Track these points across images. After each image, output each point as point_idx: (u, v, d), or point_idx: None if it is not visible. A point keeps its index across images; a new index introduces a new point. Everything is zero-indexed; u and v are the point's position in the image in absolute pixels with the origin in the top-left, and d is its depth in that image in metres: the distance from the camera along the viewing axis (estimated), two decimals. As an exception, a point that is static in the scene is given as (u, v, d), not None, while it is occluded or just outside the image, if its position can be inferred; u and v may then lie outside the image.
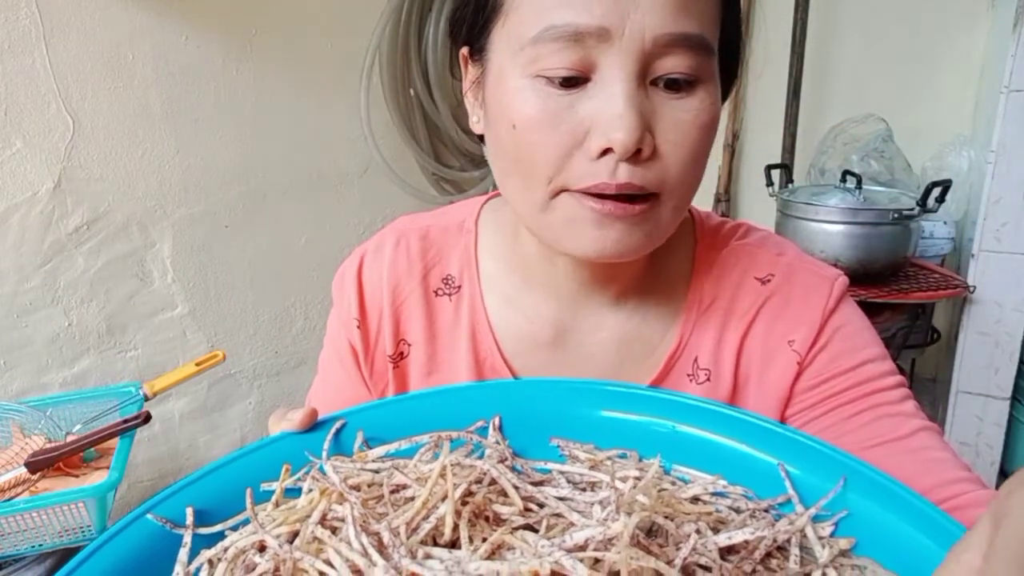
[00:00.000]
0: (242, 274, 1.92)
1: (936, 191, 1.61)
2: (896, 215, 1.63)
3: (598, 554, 0.38)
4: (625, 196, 0.54)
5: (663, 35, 0.51)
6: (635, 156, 0.52)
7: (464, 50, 0.63)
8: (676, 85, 0.53)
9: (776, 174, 1.97)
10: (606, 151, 0.52)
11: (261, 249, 1.94)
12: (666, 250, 0.67)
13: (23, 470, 1.11)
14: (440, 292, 0.71)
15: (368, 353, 0.72)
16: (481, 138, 0.65)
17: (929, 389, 2.13)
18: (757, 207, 2.26)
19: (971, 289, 1.80)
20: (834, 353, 0.64)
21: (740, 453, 0.50)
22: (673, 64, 0.52)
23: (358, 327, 0.71)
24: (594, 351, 0.68)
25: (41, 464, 1.11)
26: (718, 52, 0.56)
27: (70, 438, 1.18)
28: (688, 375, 0.67)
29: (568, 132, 0.53)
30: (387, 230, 0.75)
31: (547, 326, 0.68)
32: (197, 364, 1.40)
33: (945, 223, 1.87)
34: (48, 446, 1.16)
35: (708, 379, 0.66)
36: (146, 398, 1.31)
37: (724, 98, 0.60)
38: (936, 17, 1.96)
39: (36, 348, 1.60)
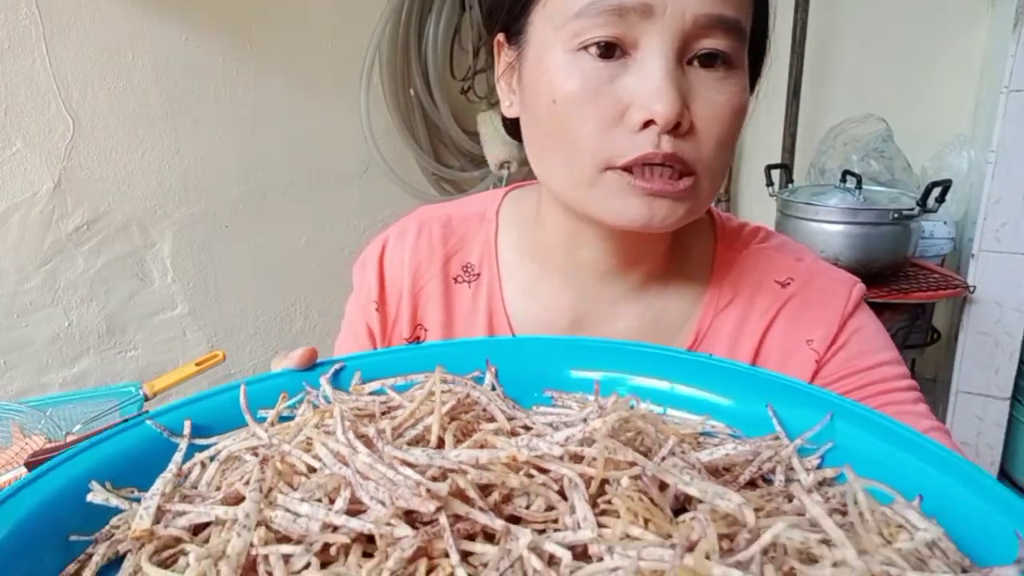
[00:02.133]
0: (242, 274, 1.92)
1: (936, 191, 1.61)
2: (896, 215, 1.63)
3: (576, 448, 0.38)
4: (669, 170, 0.55)
5: (703, 15, 0.53)
6: (675, 130, 0.54)
7: (499, 36, 0.65)
8: (712, 61, 0.55)
9: (776, 174, 1.97)
10: (647, 124, 0.54)
11: (261, 249, 1.94)
12: (685, 247, 0.69)
13: (23, 470, 1.11)
14: (460, 279, 0.73)
15: (385, 335, 0.73)
16: (513, 124, 0.67)
17: (929, 389, 2.13)
18: (757, 207, 2.26)
19: (971, 289, 1.80)
20: (851, 353, 0.65)
21: (727, 406, 0.51)
22: (710, 44, 0.54)
23: (376, 309, 0.73)
24: None
25: (41, 464, 1.11)
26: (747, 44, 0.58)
27: (70, 438, 1.18)
28: None
29: (608, 105, 0.55)
30: (410, 217, 0.77)
31: (564, 315, 0.69)
32: (197, 364, 1.40)
33: (945, 223, 1.87)
34: (48, 446, 1.16)
35: None
36: (146, 398, 1.31)
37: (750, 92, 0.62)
38: (936, 17, 1.96)
39: (36, 348, 1.60)
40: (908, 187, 1.85)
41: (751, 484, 0.42)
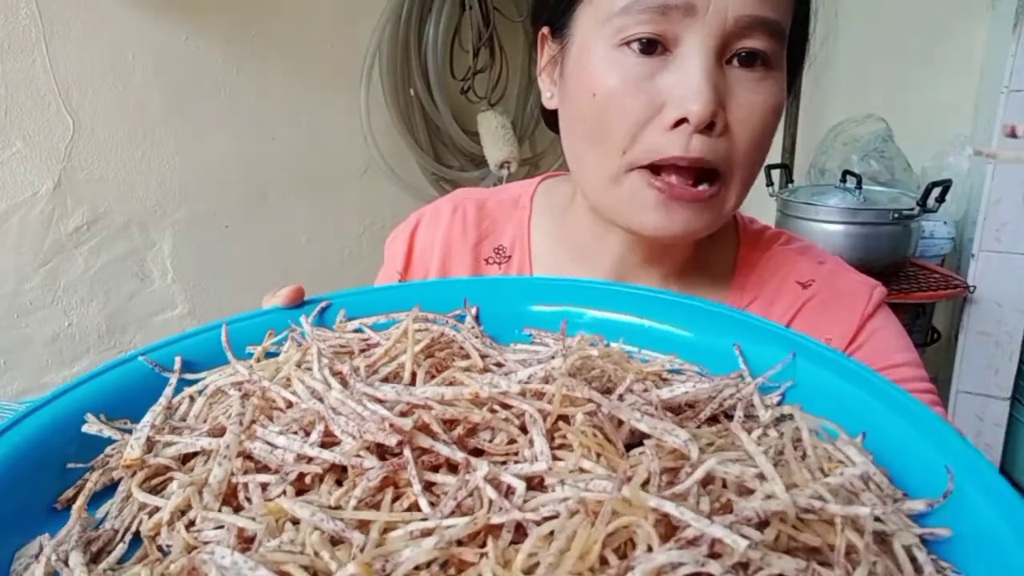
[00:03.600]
0: (242, 274, 1.92)
1: (936, 191, 1.61)
2: (896, 215, 1.63)
3: (536, 386, 0.40)
4: (694, 177, 0.56)
5: (745, 16, 0.54)
6: (708, 129, 0.55)
7: (544, 30, 0.66)
8: (751, 61, 0.56)
9: (776, 174, 1.97)
10: (680, 122, 0.55)
11: (261, 249, 1.94)
12: (710, 247, 0.71)
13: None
14: (490, 260, 0.75)
15: None
16: (550, 116, 0.68)
17: (929, 389, 2.12)
18: (757, 207, 2.26)
19: (971, 289, 1.80)
20: (869, 352, 0.66)
21: (694, 340, 0.53)
22: (750, 44, 0.55)
23: (399, 282, 0.75)
24: None
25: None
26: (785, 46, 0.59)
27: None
28: None
29: (646, 101, 0.56)
30: (445, 199, 0.79)
31: None
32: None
33: (945, 223, 1.87)
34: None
35: None
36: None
37: (787, 93, 0.63)
38: (936, 17, 1.96)
39: (36, 348, 1.60)
40: (908, 187, 1.85)
41: (713, 419, 0.44)
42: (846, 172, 1.77)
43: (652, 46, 0.55)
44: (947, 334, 1.99)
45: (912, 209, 1.63)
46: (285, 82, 1.89)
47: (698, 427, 0.43)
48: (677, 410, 0.44)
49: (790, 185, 1.96)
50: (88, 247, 1.63)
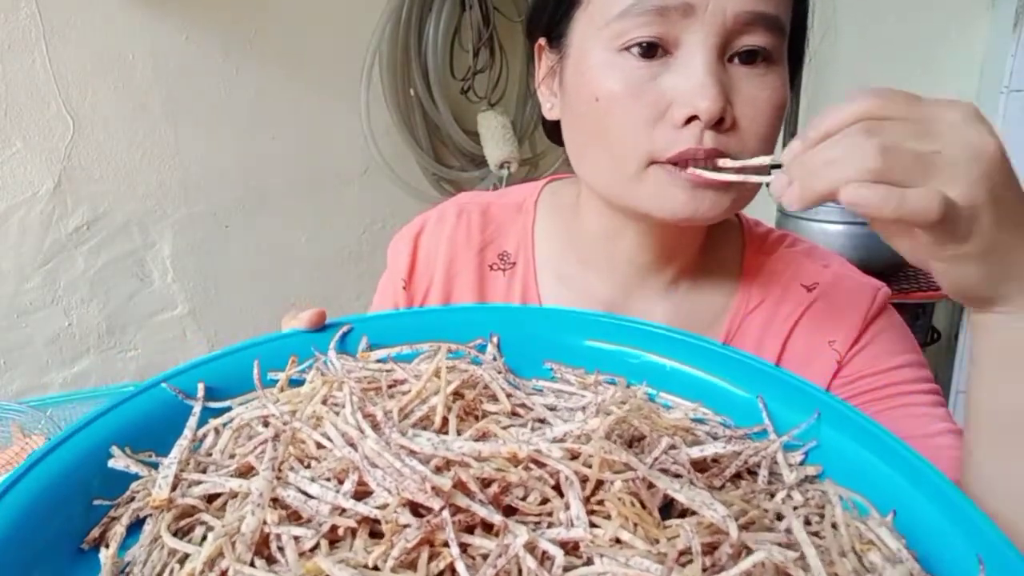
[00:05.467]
0: (242, 274, 1.91)
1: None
2: (896, 215, 1.63)
3: (573, 446, 0.39)
4: (712, 163, 0.56)
5: (744, 13, 0.54)
6: (718, 125, 0.55)
7: (541, 41, 0.66)
8: (753, 58, 0.56)
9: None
10: (690, 119, 0.54)
11: (261, 249, 1.94)
12: (715, 249, 0.71)
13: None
14: (495, 267, 0.74)
15: None
16: (551, 127, 0.68)
17: (929, 389, 2.13)
18: (757, 207, 2.26)
19: (971, 289, 1.80)
20: (873, 353, 0.66)
21: (723, 388, 0.52)
22: (751, 40, 0.55)
23: (404, 288, 0.74)
24: None
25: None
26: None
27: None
28: None
29: (651, 104, 0.55)
30: (449, 203, 0.78)
31: (598, 307, 0.70)
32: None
33: (945, 223, 1.86)
34: (48, 446, 1.16)
35: None
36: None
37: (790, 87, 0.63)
38: (936, 17, 1.96)
39: (36, 348, 1.60)
40: (908, 187, 1.85)
41: (737, 475, 0.44)
42: (846, 172, 1.77)
43: (653, 50, 0.55)
44: (947, 334, 1.99)
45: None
46: (285, 82, 1.88)
47: (722, 486, 0.42)
48: (702, 464, 0.43)
49: (790, 185, 1.96)
50: (88, 247, 1.63)
